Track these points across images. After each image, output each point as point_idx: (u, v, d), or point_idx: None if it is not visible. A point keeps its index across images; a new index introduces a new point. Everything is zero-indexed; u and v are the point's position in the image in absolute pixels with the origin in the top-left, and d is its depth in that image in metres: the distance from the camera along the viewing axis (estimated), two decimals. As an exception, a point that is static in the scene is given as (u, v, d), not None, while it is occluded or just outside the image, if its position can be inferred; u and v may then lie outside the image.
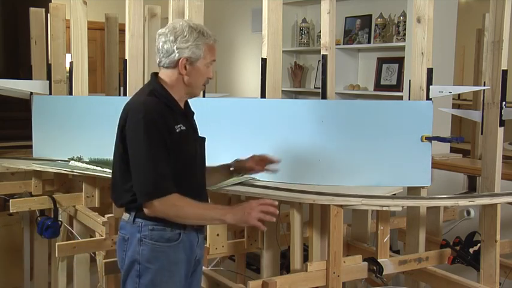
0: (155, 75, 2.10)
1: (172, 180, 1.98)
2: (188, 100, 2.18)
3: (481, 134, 2.85)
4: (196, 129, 2.16)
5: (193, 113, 2.21)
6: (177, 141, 2.00)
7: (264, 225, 2.00)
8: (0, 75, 4.65)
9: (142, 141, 1.94)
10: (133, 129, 1.98)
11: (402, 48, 4.15)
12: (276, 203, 2.01)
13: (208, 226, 2.59)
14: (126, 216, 2.07)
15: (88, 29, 3.41)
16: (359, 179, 2.54)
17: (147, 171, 1.94)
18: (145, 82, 3.75)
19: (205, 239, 2.42)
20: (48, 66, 3.63)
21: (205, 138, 2.19)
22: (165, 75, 2.07)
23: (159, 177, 1.94)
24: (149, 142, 1.94)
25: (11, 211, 3.26)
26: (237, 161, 2.36)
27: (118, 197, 2.09)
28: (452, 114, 4.01)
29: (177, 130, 2.00)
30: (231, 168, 2.37)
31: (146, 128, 1.94)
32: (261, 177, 2.63)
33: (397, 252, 3.32)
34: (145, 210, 1.98)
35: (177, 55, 2.01)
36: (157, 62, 2.07)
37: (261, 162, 2.36)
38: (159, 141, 1.95)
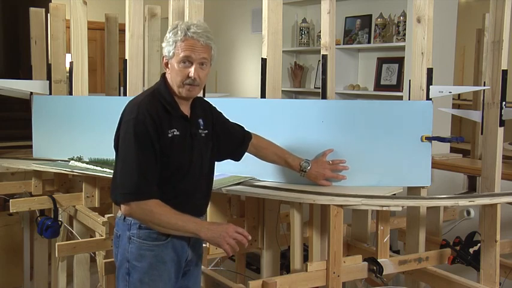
0: (164, 74, 2.11)
1: (159, 184, 1.99)
2: (202, 101, 2.20)
3: (481, 134, 2.85)
4: (198, 132, 2.11)
5: (212, 115, 2.21)
6: (167, 146, 1.99)
7: (229, 253, 2.02)
8: (0, 75, 4.66)
9: (131, 142, 1.95)
10: (123, 130, 1.99)
11: (402, 48, 4.15)
12: (250, 237, 2.04)
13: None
14: (119, 213, 2.09)
15: (88, 29, 3.41)
16: (359, 179, 2.54)
17: (130, 172, 1.95)
18: (145, 82, 3.78)
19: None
20: (48, 66, 3.63)
21: (211, 140, 2.18)
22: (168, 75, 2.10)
23: (141, 180, 1.94)
24: (137, 144, 1.94)
25: (11, 211, 3.26)
26: (310, 164, 2.45)
27: (112, 193, 2.10)
28: (452, 114, 4.01)
29: (169, 135, 2.00)
30: (302, 170, 2.45)
31: (135, 130, 1.95)
32: (261, 177, 2.64)
33: (397, 252, 3.32)
34: (122, 209, 2.00)
35: (162, 54, 2.07)
36: None
37: (325, 167, 2.46)
38: (147, 144, 1.95)
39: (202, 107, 2.19)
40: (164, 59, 2.07)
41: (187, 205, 2.06)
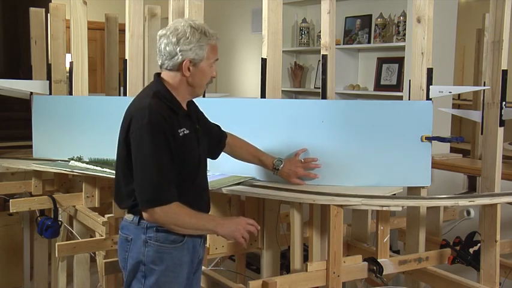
0: (158, 75, 2.08)
1: (178, 184, 1.99)
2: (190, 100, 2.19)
3: (481, 134, 2.85)
4: (199, 129, 2.14)
5: (197, 111, 2.21)
6: (180, 145, 1.99)
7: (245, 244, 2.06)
8: (0, 75, 4.65)
9: (147, 147, 1.93)
10: (137, 134, 1.96)
11: (402, 48, 4.15)
12: (259, 227, 2.09)
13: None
14: (129, 217, 2.06)
15: (88, 29, 3.41)
16: (359, 179, 2.54)
17: (151, 178, 1.93)
18: (145, 82, 3.79)
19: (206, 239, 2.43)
20: (48, 66, 3.63)
21: (207, 135, 2.22)
22: (168, 76, 2.05)
23: (163, 184, 1.93)
24: (154, 148, 1.93)
25: (11, 211, 3.26)
26: (286, 171, 2.47)
27: (121, 200, 2.10)
28: (452, 114, 4.01)
29: (181, 134, 2.00)
30: (275, 168, 2.48)
31: (151, 134, 1.93)
32: (261, 177, 2.64)
33: (397, 252, 3.32)
34: (145, 216, 1.98)
35: (180, 57, 1.99)
36: (160, 64, 2.05)
37: (297, 166, 2.48)
38: (164, 147, 1.94)
39: (192, 105, 2.20)
40: (189, 62, 2.00)
41: (200, 202, 2.08)
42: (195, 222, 2.00)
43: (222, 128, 2.42)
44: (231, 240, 2.07)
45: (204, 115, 2.31)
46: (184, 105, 2.09)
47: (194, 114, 2.17)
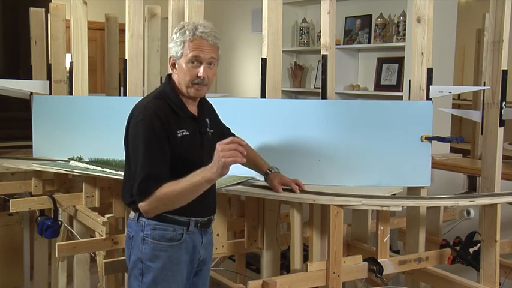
0: (169, 76, 2.11)
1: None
2: (205, 101, 2.20)
3: (481, 134, 2.85)
4: (207, 131, 2.13)
5: (210, 113, 2.20)
6: (178, 146, 2.00)
7: (243, 159, 1.89)
8: (0, 75, 4.65)
9: (140, 145, 1.96)
10: (132, 133, 2.00)
11: (402, 48, 4.15)
12: (244, 142, 1.94)
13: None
14: (132, 214, 2.09)
15: (88, 29, 3.41)
16: (359, 179, 2.54)
17: (139, 176, 1.96)
18: (145, 82, 3.79)
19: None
20: (48, 66, 3.62)
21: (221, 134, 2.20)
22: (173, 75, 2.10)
23: (148, 180, 1.95)
24: (144, 146, 1.95)
25: (11, 211, 3.26)
26: (274, 175, 2.41)
27: (123, 196, 2.12)
28: (452, 114, 4.01)
29: (179, 135, 2.01)
30: (269, 170, 2.43)
31: (143, 133, 1.95)
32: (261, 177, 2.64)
33: (397, 252, 3.32)
34: (141, 210, 2.01)
35: (169, 55, 2.07)
36: None
37: (287, 179, 2.43)
38: (155, 146, 1.95)
39: (207, 107, 2.21)
40: (171, 59, 2.06)
41: (202, 204, 2.07)
42: (180, 188, 1.93)
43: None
44: (227, 170, 1.90)
45: (218, 118, 2.31)
46: (191, 106, 2.09)
47: (205, 117, 2.15)
